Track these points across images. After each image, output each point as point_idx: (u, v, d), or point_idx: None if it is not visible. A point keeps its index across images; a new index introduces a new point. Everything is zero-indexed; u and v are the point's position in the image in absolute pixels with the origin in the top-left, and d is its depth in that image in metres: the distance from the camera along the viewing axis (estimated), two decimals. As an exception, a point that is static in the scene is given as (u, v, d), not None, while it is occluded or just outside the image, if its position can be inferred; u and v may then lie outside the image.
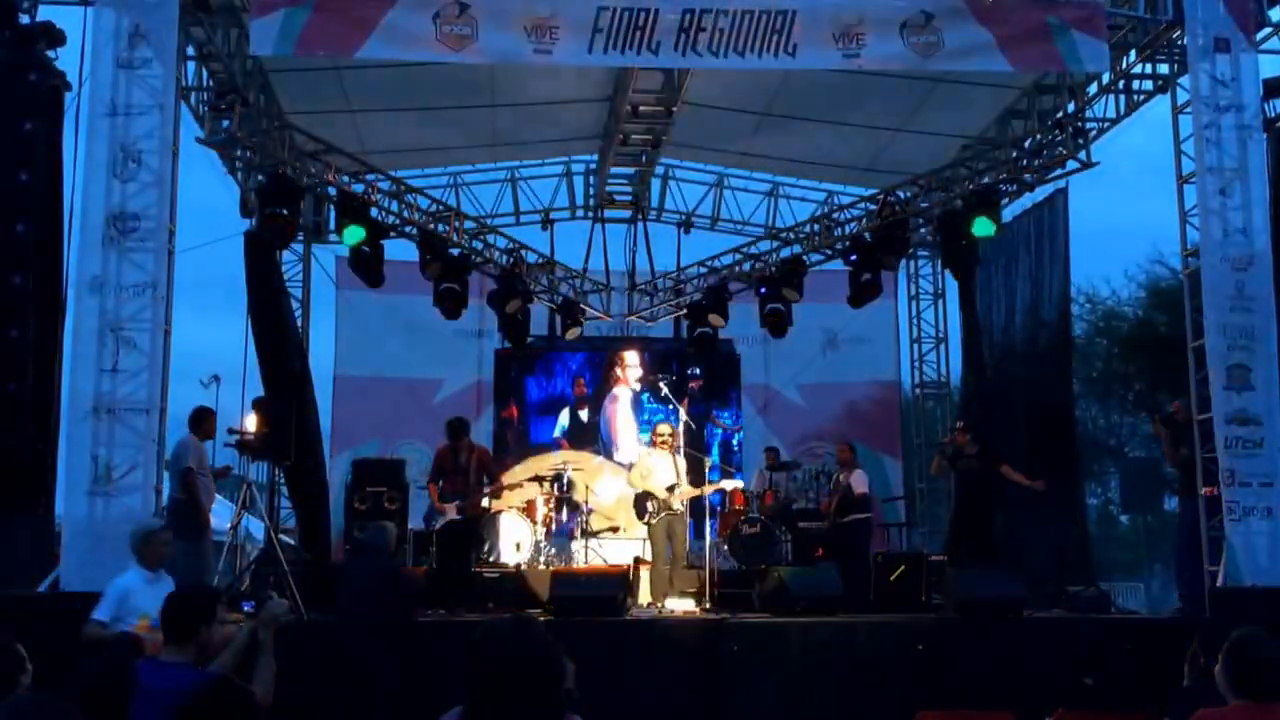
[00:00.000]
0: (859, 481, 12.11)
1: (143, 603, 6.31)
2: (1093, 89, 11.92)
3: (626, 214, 15.84)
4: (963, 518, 11.82)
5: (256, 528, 12.47)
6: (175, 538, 9.28)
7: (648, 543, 11.04)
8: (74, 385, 8.26)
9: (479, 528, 11.42)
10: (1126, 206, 36.68)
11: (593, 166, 15.69)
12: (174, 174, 8.76)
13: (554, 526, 12.58)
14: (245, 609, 5.56)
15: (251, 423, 10.58)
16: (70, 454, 8.21)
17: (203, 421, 10.01)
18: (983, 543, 11.53)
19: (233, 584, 9.98)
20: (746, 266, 14.76)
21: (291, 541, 13.59)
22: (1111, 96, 11.84)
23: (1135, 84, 11.61)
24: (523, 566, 11.53)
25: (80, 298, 8.30)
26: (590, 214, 15.99)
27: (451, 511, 10.91)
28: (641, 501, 10.81)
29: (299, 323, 14.44)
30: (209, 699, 3.74)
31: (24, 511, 8.20)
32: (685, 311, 15.42)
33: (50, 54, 8.72)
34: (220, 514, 10.64)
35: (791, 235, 14.76)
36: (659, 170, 15.41)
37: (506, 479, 13.02)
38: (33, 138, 8.39)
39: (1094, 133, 11.94)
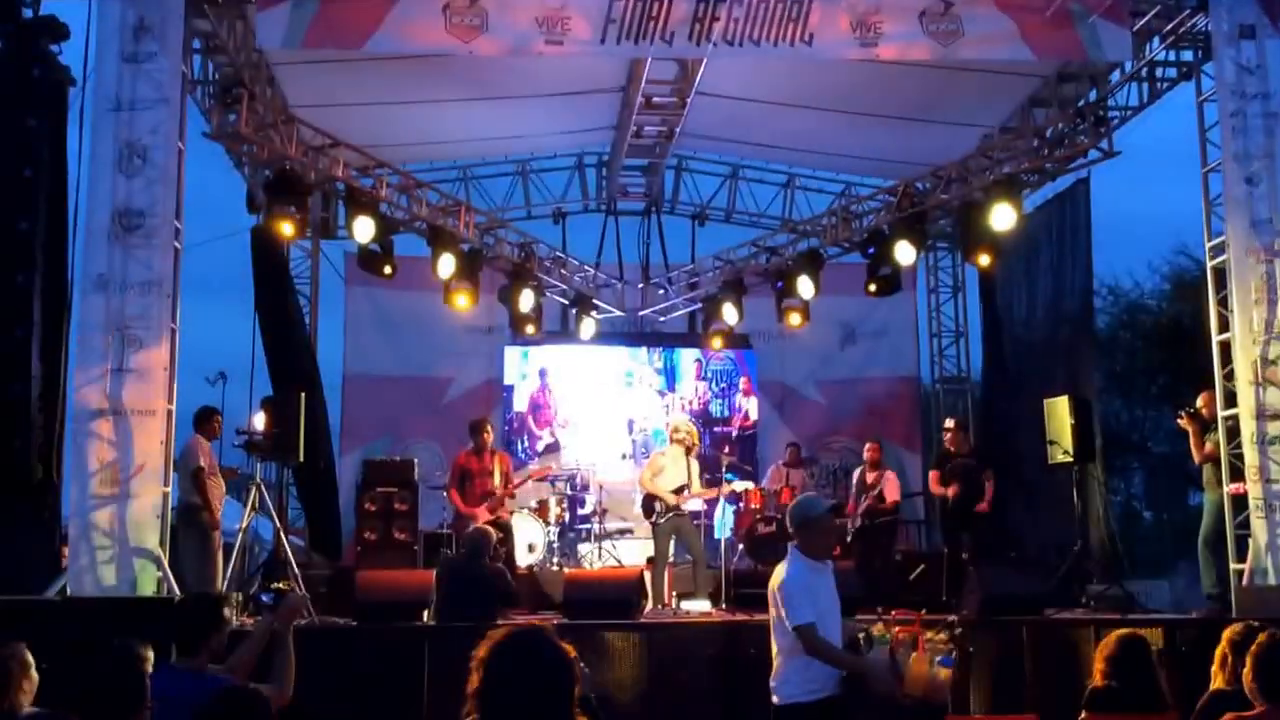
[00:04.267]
0: (892, 488, 12.08)
1: (826, 599, 5.50)
2: (1115, 76, 11.85)
3: (639, 206, 15.82)
4: (955, 518, 11.75)
5: (265, 528, 12.48)
6: (186, 539, 9.41)
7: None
8: (79, 385, 8.27)
9: (508, 529, 11.41)
10: (1149, 193, 36.54)
11: (605, 159, 15.67)
12: (180, 169, 8.76)
13: (566, 527, 12.59)
14: (264, 600, 5.51)
15: (259, 421, 10.61)
16: (76, 455, 8.23)
17: (208, 421, 10.05)
18: (976, 541, 11.52)
19: (242, 586, 10.01)
20: (762, 259, 14.70)
21: (300, 543, 13.63)
22: (1135, 84, 11.77)
23: (1159, 71, 11.53)
24: (536, 568, 11.55)
25: (85, 296, 8.32)
26: (603, 207, 15.97)
27: (484, 514, 10.89)
28: (649, 502, 10.82)
29: (307, 319, 14.45)
30: (223, 708, 3.73)
31: (30, 514, 8.21)
32: (700, 306, 15.38)
33: (54, 48, 8.71)
34: (228, 514, 10.66)
35: (808, 228, 14.70)
36: (672, 162, 15.36)
37: (516, 478, 13.08)
38: (36, 134, 8.39)
39: (1116, 121, 11.87)
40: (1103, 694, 5.51)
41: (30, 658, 4.29)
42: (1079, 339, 13.57)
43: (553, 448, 15.31)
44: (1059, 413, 11.36)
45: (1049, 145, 12.35)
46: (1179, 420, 10.59)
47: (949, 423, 12.42)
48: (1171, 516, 21.49)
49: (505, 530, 11.10)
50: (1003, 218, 11.62)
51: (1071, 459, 11.23)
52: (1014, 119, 13.26)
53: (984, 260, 12.60)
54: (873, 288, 13.41)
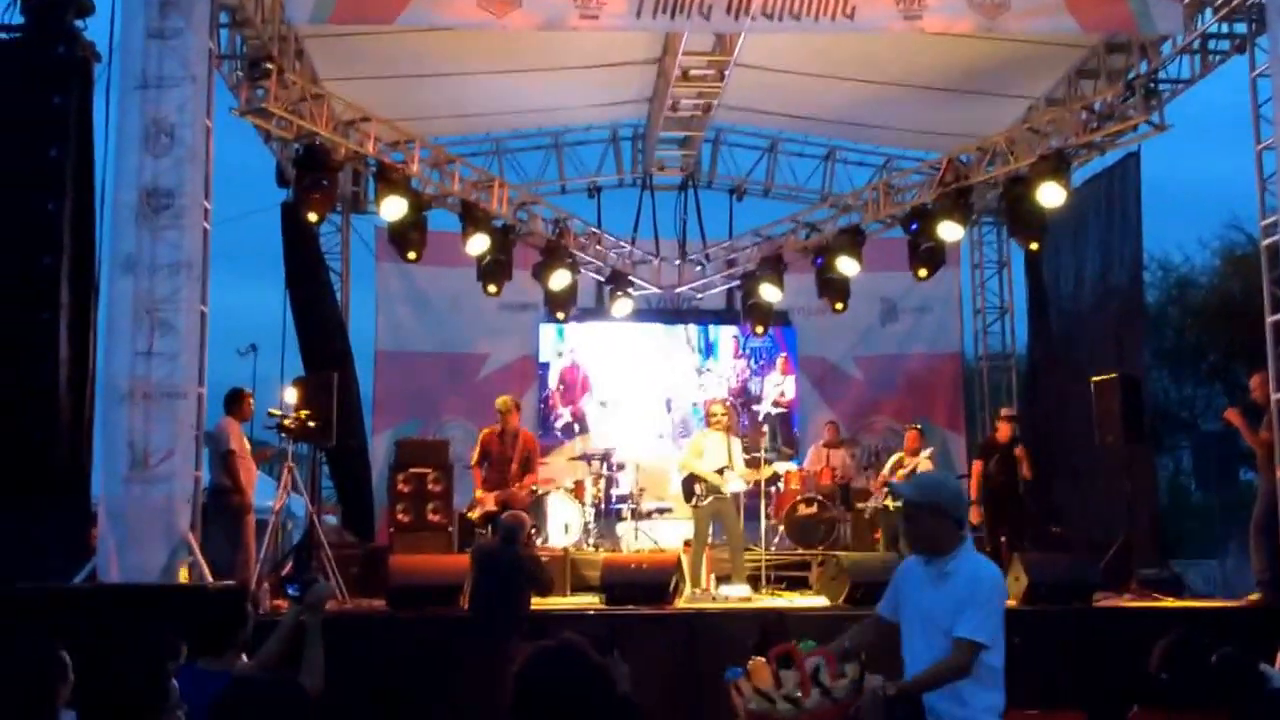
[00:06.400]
0: (925, 469, 11.91)
1: (909, 601, 4.52)
2: (1166, 48, 11.58)
3: (676, 180, 15.68)
4: (995, 503, 11.63)
5: (299, 505, 12.53)
6: (217, 522, 9.42)
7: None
8: (108, 368, 8.28)
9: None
10: (1202, 161, 36.03)
11: (640, 132, 15.52)
12: (208, 148, 8.70)
13: (603, 507, 12.54)
14: (290, 592, 5.44)
15: (290, 395, 10.62)
16: (106, 439, 8.24)
17: (239, 403, 10.05)
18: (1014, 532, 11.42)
19: (275, 567, 10.04)
20: (802, 235, 14.52)
21: (334, 520, 13.68)
22: (1186, 56, 11.49)
23: (1211, 44, 11.25)
24: (571, 549, 11.51)
25: (113, 278, 8.30)
26: (638, 181, 15.83)
27: (490, 502, 10.87)
28: (689, 484, 10.76)
29: (338, 296, 14.45)
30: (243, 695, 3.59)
31: (59, 499, 8.21)
32: (738, 282, 15.24)
33: (79, 24, 8.63)
34: (261, 491, 10.69)
35: (849, 202, 14.52)
36: (709, 135, 15.18)
37: (552, 458, 13.08)
38: (63, 112, 8.31)
39: (1167, 94, 11.60)
40: (1156, 687, 5.38)
41: (66, 658, 4.22)
42: (1128, 315, 13.38)
43: (572, 429, 15.26)
44: (1108, 392, 11.20)
45: (1097, 118, 12.10)
46: (1225, 416, 10.43)
47: (1004, 412, 12.23)
48: (1221, 495, 21.20)
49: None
50: (1051, 196, 11.44)
51: (1120, 440, 11.07)
52: (1060, 90, 13.04)
53: (1033, 245, 12.42)
54: (923, 273, 13.14)
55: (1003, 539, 11.31)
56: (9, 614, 7.00)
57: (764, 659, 4.16)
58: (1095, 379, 11.54)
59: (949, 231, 12.66)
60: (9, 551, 7.70)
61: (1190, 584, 12.07)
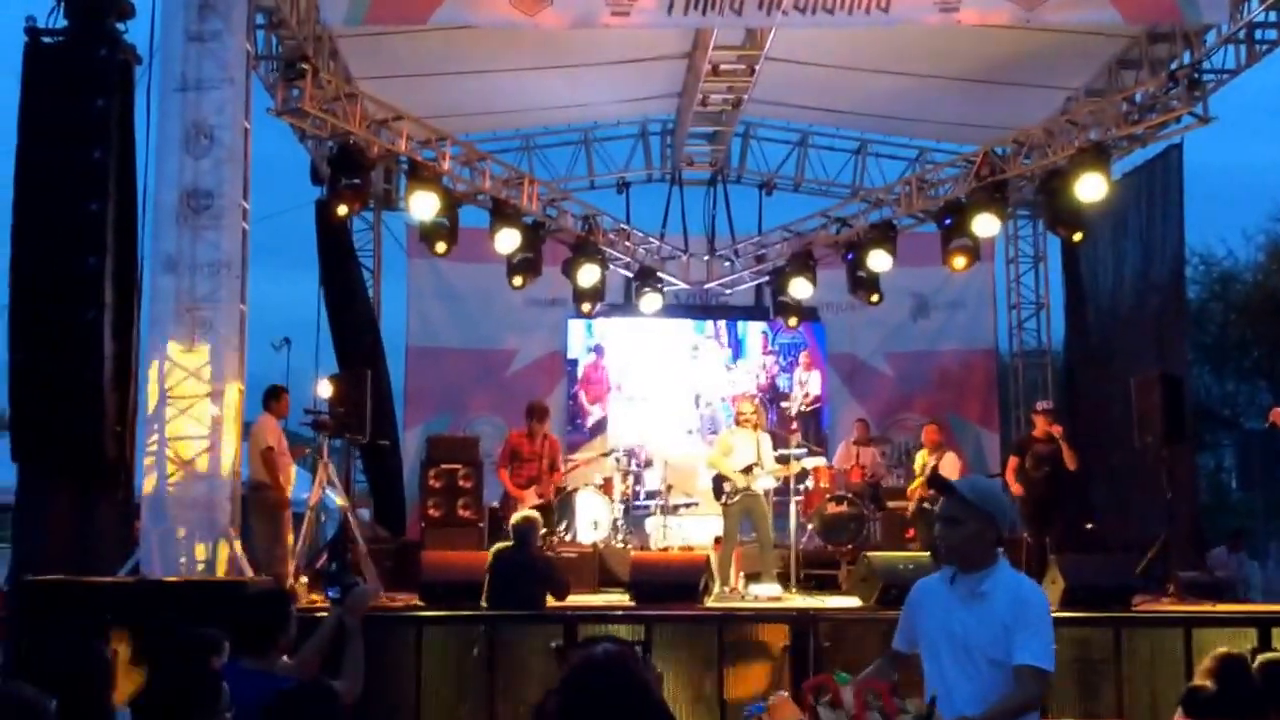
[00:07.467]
0: (950, 469, 12.02)
1: (932, 624, 4.18)
2: (1211, 38, 11.64)
3: (705, 175, 15.88)
4: (1035, 508, 11.79)
5: (330, 498, 12.86)
6: (255, 518, 9.74)
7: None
8: (151, 365, 8.60)
9: (551, 512, 11.66)
10: (1246, 150, 35.84)
11: (670, 127, 15.74)
12: (247, 149, 9.00)
13: (631, 503, 12.81)
14: (330, 595, 5.64)
15: (324, 389, 10.94)
16: (148, 435, 8.56)
17: (277, 399, 10.36)
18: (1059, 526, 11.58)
19: (312, 561, 10.35)
20: (833, 230, 14.69)
21: (366, 515, 14.00)
22: (1231, 46, 11.55)
23: (1258, 33, 11.30)
24: (600, 545, 11.78)
25: (155, 277, 8.63)
26: (667, 176, 16.05)
27: (532, 497, 11.17)
28: (718, 482, 10.98)
29: (370, 291, 14.80)
30: (293, 706, 3.84)
31: (103, 494, 8.55)
32: (768, 278, 15.44)
33: (120, 27, 8.93)
34: (297, 484, 10.98)
35: (881, 197, 14.66)
36: (739, 129, 15.37)
37: (580, 454, 13.40)
38: (105, 114, 8.60)
39: (1211, 85, 11.65)
40: (1201, 696, 5.52)
41: (110, 656, 4.43)
42: (1169, 311, 13.40)
43: (600, 426, 15.53)
44: (1148, 391, 11.23)
45: (1138, 109, 12.16)
46: (1272, 417, 10.50)
47: (1041, 406, 12.32)
48: (1265, 494, 21.20)
49: (553, 510, 11.55)
50: (1091, 188, 11.47)
51: (1161, 440, 11.13)
52: (1100, 81, 13.11)
53: (1076, 236, 12.48)
54: (961, 262, 13.11)
55: (1048, 540, 11.40)
56: (57, 607, 7.35)
57: (786, 694, 4.29)
58: (1135, 378, 11.56)
59: (985, 226, 12.73)
60: (58, 545, 8.07)
61: (1232, 587, 12.07)
